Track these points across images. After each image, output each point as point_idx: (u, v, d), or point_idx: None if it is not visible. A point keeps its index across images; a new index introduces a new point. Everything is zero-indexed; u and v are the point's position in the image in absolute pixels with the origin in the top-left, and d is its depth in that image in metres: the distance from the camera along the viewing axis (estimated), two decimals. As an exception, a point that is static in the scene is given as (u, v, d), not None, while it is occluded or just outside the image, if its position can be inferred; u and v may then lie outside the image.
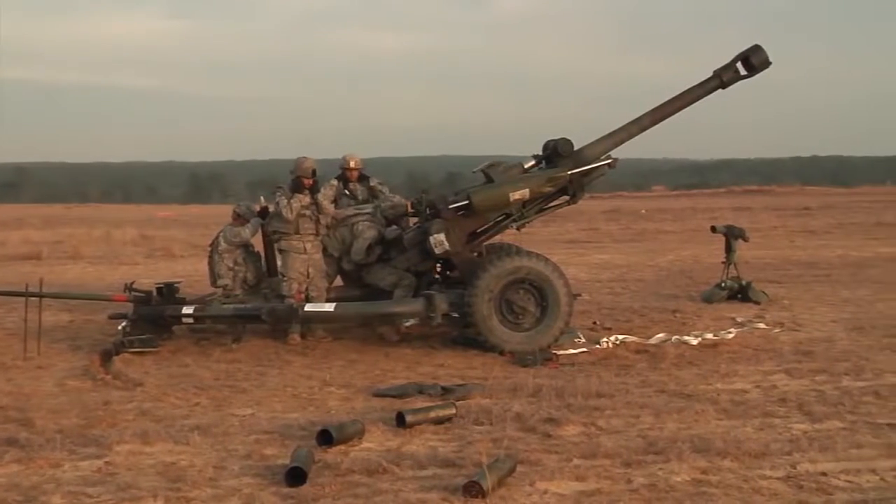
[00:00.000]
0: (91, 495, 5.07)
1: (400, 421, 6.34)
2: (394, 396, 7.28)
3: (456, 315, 9.14)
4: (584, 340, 9.31)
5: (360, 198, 10.42)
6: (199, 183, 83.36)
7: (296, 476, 5.18)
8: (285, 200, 9.44)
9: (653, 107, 9.70)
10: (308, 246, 9.61)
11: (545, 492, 5.06)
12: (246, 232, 9.87)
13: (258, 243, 10.24)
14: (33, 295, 9.37)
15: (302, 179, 9.52)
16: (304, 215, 9.54)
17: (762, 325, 10.25)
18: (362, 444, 5.96)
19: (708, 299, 12.11)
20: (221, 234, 9.95)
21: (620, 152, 9.75)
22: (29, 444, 5.95)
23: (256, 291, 9.93)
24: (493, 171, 9.39)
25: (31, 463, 5.59)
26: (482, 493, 4.90)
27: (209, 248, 10.21)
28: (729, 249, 12.52)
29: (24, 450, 5.84)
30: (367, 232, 9.66)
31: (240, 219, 9.98)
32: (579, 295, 10.30)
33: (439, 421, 6.41)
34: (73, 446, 5.93)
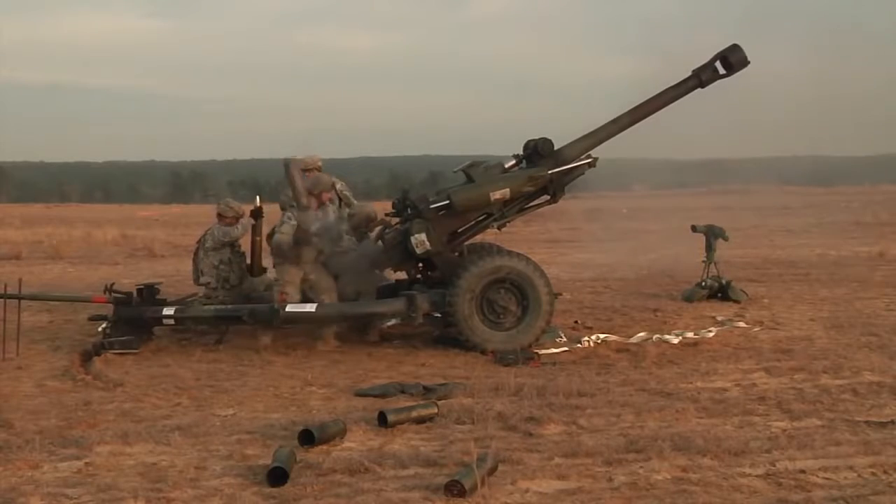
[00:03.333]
0: (71, 496, 5.05)
1: (382, 420, 6.35)
2: (376, 396, 7.28)
3: (437, 315, 9.17)
4: (565, 339, 9.35)
5: None
6: (180, 183, 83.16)
7: (277, 476, 5.17)
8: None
9: (632, 106, 9.74)
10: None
11: (526, 490, 5.08)
12: (236, 231, 9.82)
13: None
14: (12, 297, 9.32)
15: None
16: None
17: (742, 324, 10.31)
18: (344, 444, 5.95)
19: (688, 298, 12.16)
20: (209, 232, 9.91)
21: (601, 152, 9.79)
22: (7, 445, 5.91)
23: (238, 292, 9.88)
24: (474, 171, 9.40)
25: (9, 464, 5.55)
26: (463, 492, 4.91)
27: (196, 245, 10.14)
28: (709, 248, 12.59)
29: (2, 451, 5.80)
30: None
31: (223, 218, 9.91)
32: (560, 294, 10.34)
33: (421, 420, 6.42)
34: (53, 447, 5.90)
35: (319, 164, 10.50)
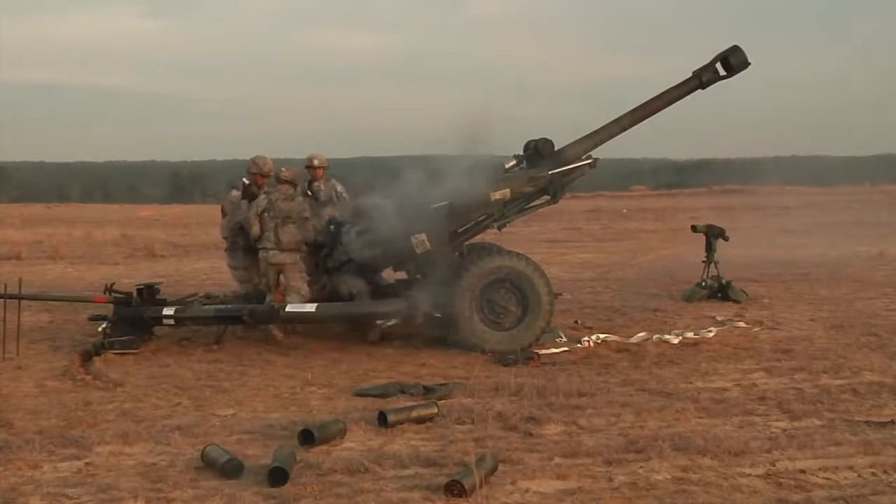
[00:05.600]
0: (71, 496, 5.05)
1: (382, 420, 6.35)
2: (376, 396, 7.29)
3: (438, 315, 9.16)
4: (565, 339, 9.35)
5: (321, 198, 10.35)
6: (180, 183, 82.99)
7: (278, 476, 5.17)
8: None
9: (633, 107, 9.74)
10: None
11: (527, 490, 5.08)
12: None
13: None
14: (12, 297, 9.31)
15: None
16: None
17: (742, 324, 10.32)
18: (344, 444, 5.96)
19: (688, 298, 12.17)
20: None
21: (601, 152, 9.80)
22: (7, 445, 5.91)
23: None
24: (475, 171, 9.39)
25: (9, 464, 5.55)
26: (464, 492, 4.91)
27: None
28: (709, 248, 12.60)
29: (2, 451, 5.80)
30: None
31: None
32: (561, 294, 10.34)
33: (421, 420, 6.42)
34: (53, 447, 5.90)
35: (324, 163, 10.50)
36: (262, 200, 9.50)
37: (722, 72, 9.80)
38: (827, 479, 5.26)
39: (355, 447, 5.89)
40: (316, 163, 10.42)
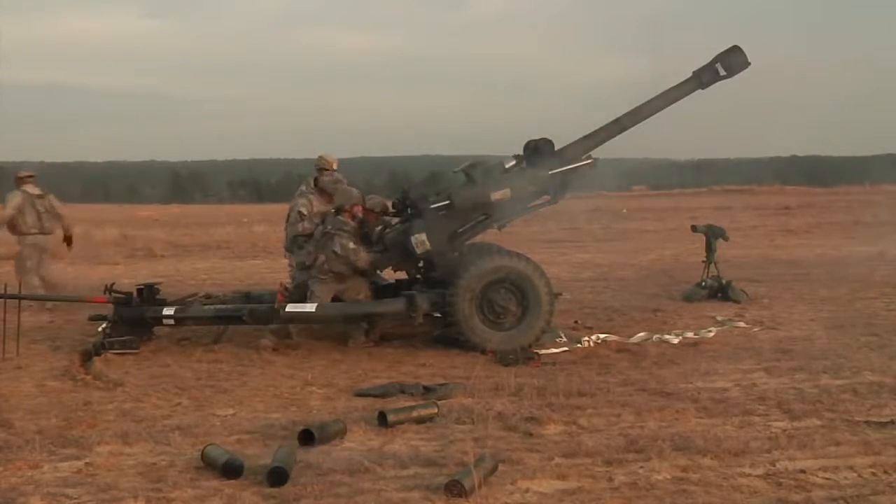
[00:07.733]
0: (71, 496, 5.05)
1: (382, 420, 6.35)
2: (376, 396, 7.28)
3: (437, 315, 9.16)
4: (565, 339, 9.35)
5: None
6: (180, 182, 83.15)
7: (278, 476, 5.17)
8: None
9: (632, 107, 9.75)
10: None
11: (527, 490, 5.08)
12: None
13: None
14: (12, 297, 9.31)
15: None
16: None
17: (742, 324, 10.32)
18: (344, 444, 5.96)
19: (688, 298, 12.17)
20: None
21: (601, 152, 9.80)
22: (7, 445, 5.91)
23: None
24: (474, 171, 9.41)
25: (9, 464, 5.55)
26: (464, 493, 4.91)
27: None
28: (709, 249, 12.60)
29: (2, 451, 5.80)
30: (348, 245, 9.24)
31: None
32: (561, 294, 10.33)
33: (421, 420, 6.42)
34: (53, 447, 5.90)
35: (335, 165, 10.50)
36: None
37: (722, 72, 9.82)
38: (827, 479, 5.25)
39: (355, 447, 5.89)
40: (336, 166, 10.44)
